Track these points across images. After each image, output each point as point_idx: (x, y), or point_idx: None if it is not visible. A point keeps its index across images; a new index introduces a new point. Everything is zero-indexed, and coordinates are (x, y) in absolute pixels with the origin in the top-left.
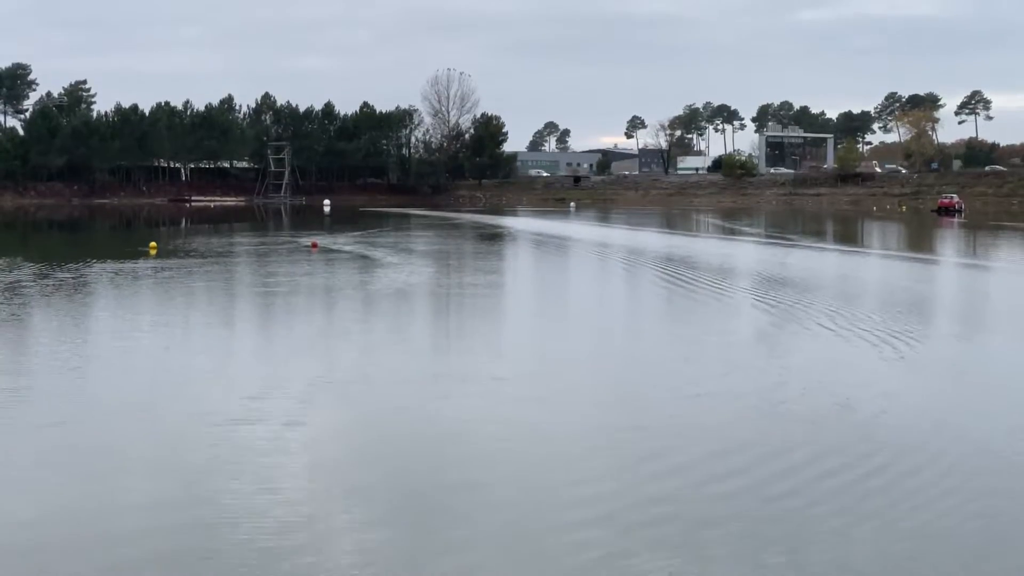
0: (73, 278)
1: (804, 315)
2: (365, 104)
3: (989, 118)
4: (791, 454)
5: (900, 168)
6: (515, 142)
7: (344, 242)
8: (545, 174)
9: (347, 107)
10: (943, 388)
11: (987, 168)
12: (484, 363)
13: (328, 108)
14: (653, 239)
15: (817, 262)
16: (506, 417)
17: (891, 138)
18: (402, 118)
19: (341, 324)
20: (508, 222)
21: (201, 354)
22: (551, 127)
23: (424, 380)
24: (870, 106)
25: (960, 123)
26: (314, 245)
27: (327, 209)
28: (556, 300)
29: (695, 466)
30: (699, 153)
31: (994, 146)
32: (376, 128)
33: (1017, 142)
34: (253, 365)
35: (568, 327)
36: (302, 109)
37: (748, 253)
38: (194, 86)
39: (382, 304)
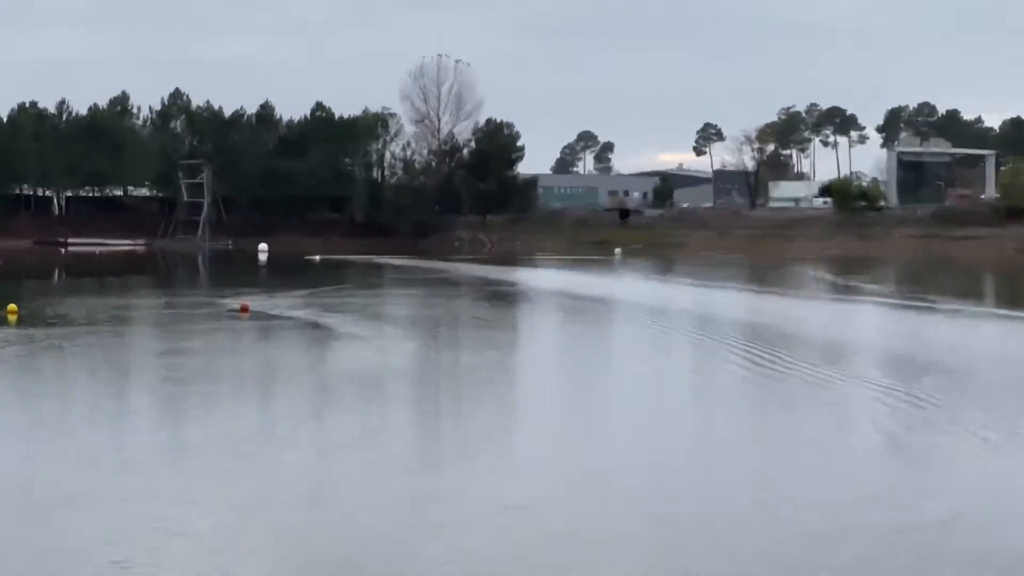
0: None
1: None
2: (319, 106)
3: None
4: None
5: None
6: (535, 161)
7: (288, 305)
8: (578, 207)
9: (293, 110)
10: None
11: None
12: (490, 482)
13: (265, 112)
14: (731, 300)
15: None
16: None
17: None
18: (372, 126)
19: (281, 426)
20: (526, 277)
21: (55, 477)
22: (587, 139)
23: (403, 504)
24: None
25: None
26: (244, 309)
27: (264, 257)
28: (596, 390)
29: None
30: (800, 176)
31: None
32: (335, 140)
33: None
34: (139, 493)
35: (615, 431)
36: (228, 113)
37: (872, 322)
38: (74, 80)
39: (342, 396)
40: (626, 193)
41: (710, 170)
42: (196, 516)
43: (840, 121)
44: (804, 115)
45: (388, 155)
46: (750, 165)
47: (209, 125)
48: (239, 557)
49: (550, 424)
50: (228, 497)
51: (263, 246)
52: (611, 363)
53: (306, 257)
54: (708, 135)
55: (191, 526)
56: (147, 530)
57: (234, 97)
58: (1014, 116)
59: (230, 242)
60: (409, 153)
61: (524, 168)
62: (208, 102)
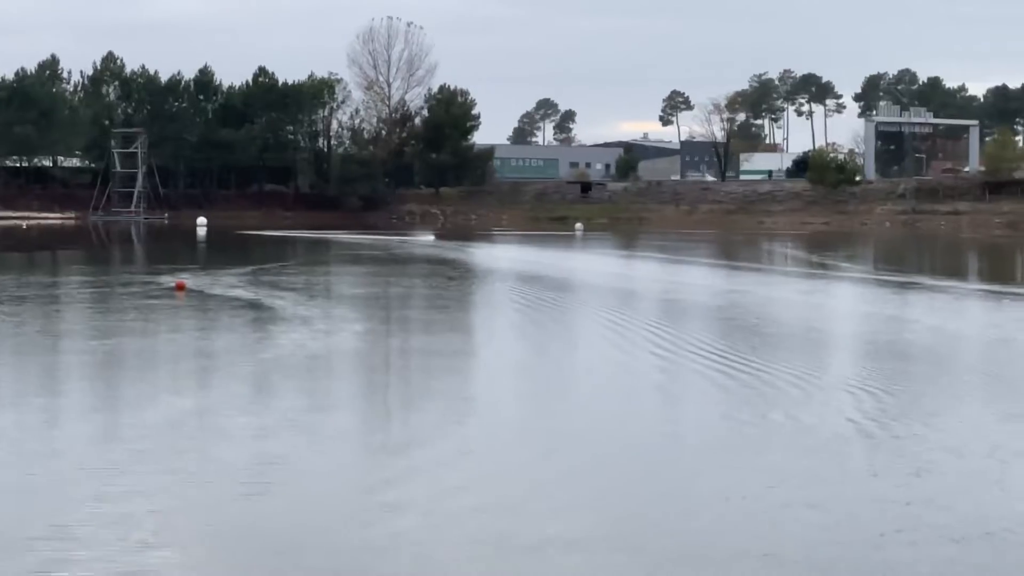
0: None
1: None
2: (262, 71)
3: None
4: None
5: None
6: (491, 130)
7: (228, 283)
8: (537, 180)
9: (234, 76)
10: None
11: None
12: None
13: (205, 77)
14: (698, 280)
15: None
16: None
17: None
18: (319, 93)
19: (214, 416)
20: (481, 254)
21: None
22: (546, 108)
23: (349, 488)
24: None
25: None
26: (180, 287)
27: (203, 231)
28: (542, 378)
29: None
30: (773, 148)
31: None
32: (279, 108)
33: None
34: (66, 479)
35: (577, 421)
36: (164, 79)
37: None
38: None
39: (287, 381)
40: (588, 165)
41: (677, 141)
42: (127, 504)
43: (815, 89)
44: (777, 83)
45: (335, 124)
46: (720, 136)
47: (144, 92)
48: (175, 545)
49: (496, 408)
50: (163, 482)
51: (202, 220)
52: (561, 351)
53: (247, 232)
54: (675, 104)
55: (122, 515)
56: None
57: (171, 62)
58: (999, 84)
59: (166, 215)
60: (358, 122)
61: (480, 138)
62: (143, 67)
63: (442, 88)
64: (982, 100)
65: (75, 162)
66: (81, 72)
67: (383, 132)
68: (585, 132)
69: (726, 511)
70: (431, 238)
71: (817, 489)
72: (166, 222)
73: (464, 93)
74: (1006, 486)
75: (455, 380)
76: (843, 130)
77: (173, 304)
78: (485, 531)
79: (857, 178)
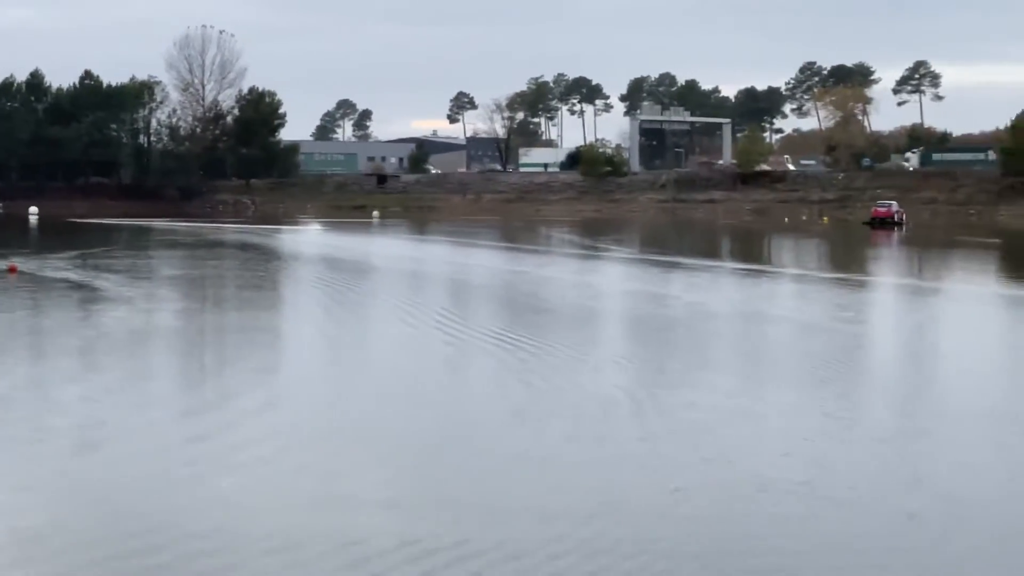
0: None
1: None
2: (87, 75)
3: (939, 97)
4: None
5: (820, 164)
6: (297, 128)
7: (58, 266)
8: (338, 172)
9: (62, 78)
10: None
11: (899, 162)
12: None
13: (35, 79)
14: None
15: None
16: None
17: (809, 124)
18: (139, 93)
19: (47, 384)
20: (286, 239)
21: None
22: (346, 107)
23: (167, 448)
24: (780, 81)
25: (900, 104)
26: (12, 270)
27: (34, 219)
28: (334, 344)
29: None
30: (549, 144)
31: (946, 136)
32: (103, 108)
33: (976, 130)
34: None
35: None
36: None
37: (612, 282)
38: None
39: (110, 354)
40: (384, 159)
41: (463, 137)
42: None
43: (586, 91)
44: (552, 85)
45: (155, 122)
46: (501, 132)
47: None
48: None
49: (301, 374)
50: None
51: (33, 209)
52: (357, 327)
53: (76, 220)
54: (461, 103)
55: None
56: None
57: (4, 65)
58: (749, 87)
59: (1, 206)
60: (175, 120)
61: (286, 135)
62: None
63: (251, 89)
64: (734, 101)
65: None
66: None
67: (198, 129)
68: (381, 129)
69: (524, 469)
70: (243, 225)
71: (603, 448)
72: (1, 211)
73: (271, 94)
74: (762, 441)
75: (263, 352)
76: (611, 127)
77: (5, 285)
78: (289, 481)
79: (623, 170)
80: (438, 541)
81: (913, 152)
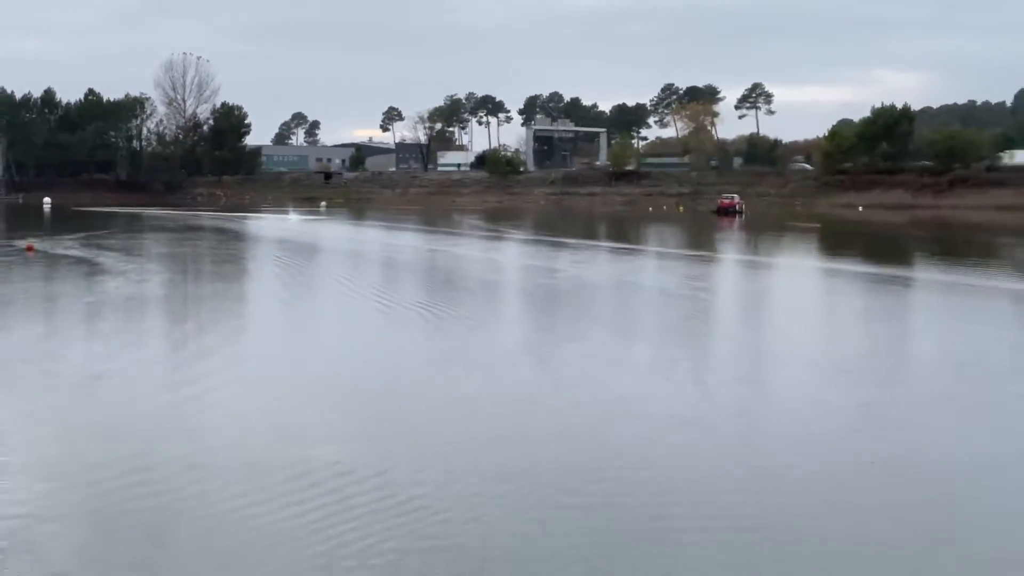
0: None
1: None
2: (91, 91)
3: (771, 112)
4: None
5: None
6: (260, 135)
7: (67, 245)
8: (292, 171)
9: (71, 95)
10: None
11: (798, 166)
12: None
13: (48, 96)
14: (402, 242)
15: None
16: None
17: (668, 133)
18: (132, 107)
19: (64, 334)
20: (251, 224)
21: None
22: (299, 119)
23: (158, 391)
24: (646, 98)
25: (741, 118)
26: (30, 248)
27: (47, 208)
28: (293, 308)
29: None
30: (462, 148)
31: (776, 143)
32: (103, 118)
33: (801, 138)
34: None
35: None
36: (19, 96)
37: (511, 258)
38: None
39: (110, 315)
40: (329, 160)
41: (393, 143)
42: None
43: (491, 106)
44: (464, 101)
45: (145, 130)
46: (423, 139)
47: (4, 107)
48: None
49: (265, 333)
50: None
51: (47, 200)
52: (306, 298)
53: (82, 208)
54: (392, 116)
55: None
56: None
57: (24, 84)
58: (621, 103)
59: (21, 197)
60: (161, 128)
61: (251, 140)
62: (3, 88)
63: (223, 104)
64: (608, 114)
65: None
66: None
67: (180, 136)
68: (327, 136)
69: (456, 410)
70: (216, 213)
71: (510, 390)
72: (20, 202)
73: (239, 108)
74: (629, 381)
75: (233, 318)
76: (511, 135)
77: (25, 260)
78: (254, 419)
79: (521, 169)
80: (363, 462)
81: (798, 160)
